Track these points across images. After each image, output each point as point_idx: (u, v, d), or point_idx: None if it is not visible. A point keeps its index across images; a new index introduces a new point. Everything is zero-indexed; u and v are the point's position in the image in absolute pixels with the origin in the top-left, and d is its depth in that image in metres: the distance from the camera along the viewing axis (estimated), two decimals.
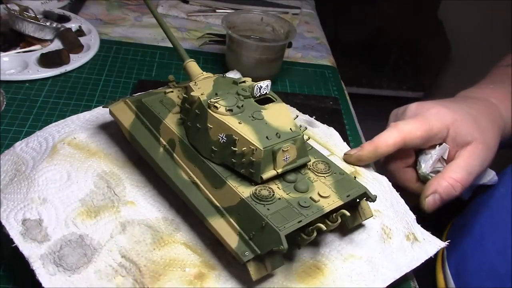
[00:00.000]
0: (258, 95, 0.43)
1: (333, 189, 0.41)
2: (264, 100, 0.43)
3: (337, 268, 0.42)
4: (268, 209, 0.38)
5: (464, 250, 0.55)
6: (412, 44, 2.00)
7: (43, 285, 0.37)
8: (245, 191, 0.39)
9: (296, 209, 0.38)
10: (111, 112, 0.49)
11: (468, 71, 1.25)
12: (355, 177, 0.43)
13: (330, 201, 0.39)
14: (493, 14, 1.52)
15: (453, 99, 0.58)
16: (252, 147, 0.39)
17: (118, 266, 0.39)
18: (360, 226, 0.46)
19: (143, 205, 0.45)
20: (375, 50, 2.04)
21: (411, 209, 0.50)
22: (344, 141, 0.59)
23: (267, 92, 0.44)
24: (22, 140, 0.51)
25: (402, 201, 0.50)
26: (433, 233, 0.48)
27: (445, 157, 0.52)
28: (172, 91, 0.49)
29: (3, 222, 0.41)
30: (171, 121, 0.45)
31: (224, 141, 0.40)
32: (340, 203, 0.39)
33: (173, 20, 0.89)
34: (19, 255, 0.39)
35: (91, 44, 0.75)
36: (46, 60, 0.68)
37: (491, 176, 0.56)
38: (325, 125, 0.60)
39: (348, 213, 0.38)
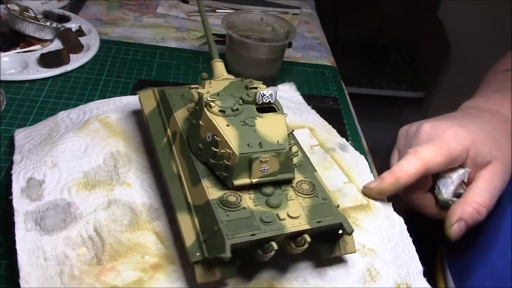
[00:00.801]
0: (260, 102, 0.42)
1: (306, 211, 0.39)
2: (268, 109, 0.43)
3: None
4: (227, 215, 0.37)
5: (464, 250, 0.55)
6: (412, 44, 2.00)
7: (16, 237, 0.40)
8: (214, 193, 0.39)
9: (256, 222, 0.37)
10: (139, 98, 0.51)
11: (468, 71, 1.25)
12: (337, 206, 0.41)
13: (297, 222, 0.37)
14: (493, 14, 1.52)
15: (464, 114, 0.55)
16: (229, 151, 0.39)
17: (87, 238, 0.41)
18: (341, 261, 0.43)
19: (137, 189, 0.46)
20: (375, 50, 2.04)
21: (402, 213, 0.49)
22: (343, 137, 0.59)
23: (271, 101, 0.43)
24: (66, 110, 0.56)
25: (412, 249, 0.46)
26: (433, 234, 0.48)
27: (465, 180, 0.50)
28: (197, 87, 0.49)
29: (13, 177, 0.45)
30: (181, 114, 0.46)
31: (210, 140, 0.40)
32: (307, 227, 0.37)
33: (173, 20, 0.89)
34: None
35: (91, 44, 0.75)
36: (46, 60, 0.68)
37: None
38: (358, 152, 0.57)
39: (309, 239, 0.36)
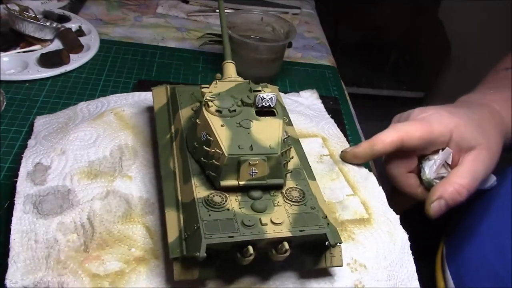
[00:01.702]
0: (260, 106, 0.42)
1: (291, 219, 0.38)
2: (268, 113, 0.42)
3: None
4: (209, 215, 0.37)
5: (463, 251, 0.55)
6: (412, 44, 2.00)
7: (12, 217, 0.41)
8: (201, 192, 0.39)
9: (237, 224, 0.36)
10: (152, 94, 0.52)
11: (468, 71, 1.26)
12: (325, 217, 0.39)
13: (278, 229, 0.37)
14: (493, 14, 1.53)
15: (455, 104, 0.57)
16: (219, 151, 0.38)
17: (80, 225, 0.42)
18: (328, 274, 0.41)
19: (137, 183, 0.47)
20: (375, 50, 2.04)
21: (401, 213, 0.48)
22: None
23: (271, 105, 0.42)
24: (87, 101, 0.58)
25: (411, 268, 0.44)
26: (432, 233, 0.48)
27: (449, 162, 0.51)
28: (207, 87, 0.49)
29: (22, 160, 0.47)
30: (185, 113, 0.46)
31: (204, 139, 0.40)
32: (288, 234, 0.36)
33: (173, 20, 0.89)
34: None
35: (91, 44, 0.75)
36: (46, 60, 0.68)
37: (492, 182, 0.55)
38: (367, 169, 0.55)
39: (287, 246, 0.36)
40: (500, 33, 1.37)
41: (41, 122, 0.54)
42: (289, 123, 0.53)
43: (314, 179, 0.45)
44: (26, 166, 0.46)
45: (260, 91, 0.44)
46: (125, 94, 0.60)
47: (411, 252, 0.45)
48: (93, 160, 0.48)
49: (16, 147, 0.55)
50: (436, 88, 1.91)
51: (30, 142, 0.50)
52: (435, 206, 0.49)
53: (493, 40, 1.40)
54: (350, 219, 0.47)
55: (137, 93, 0.60)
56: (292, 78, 0.79)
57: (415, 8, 1.86)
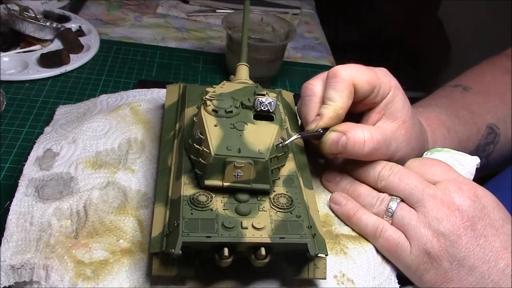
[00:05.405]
0: (258, 110, 0.42)
1: (273, 225, 0.37)
2: (268, 117, 0.42)
3: None
4: (191, 213, 0.36)
5: None
6: (412, 44, 2.00)
7: (14, 199, 0.42)
8: (189, 190, 0.39)
9: (217, 225, 0.36)
10: (166, 91, 0.53)
11: None
12: (310, 227, 0.38)
13: (258, 234, 0.36)
14: (493, 14, 1.53)
15: None
16: (207, 150, 0.38)
17: (75, 212, 0.42)
18: (312, 284, 0.40)
19: (138, 176, 0.47)
20: (375, 49, 2.04)
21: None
22: None
23: (270, 109, 0.42)
24: (108, 94, 0.58)
25: None
26: None
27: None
28: (214, 87, 0.48)
29: (35, 145, 0.47)
30: (191, 111, 0.46)
31: (197, 138, 0.40)
32: (267, 240, 0.35)
33: (173, 20, 0.89)
34: None
35: (91, 44, 0.75)
36: (46, 60, 0.68)
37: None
38: None
39: (263, 252, 0.35)
40: (500, 33, 1.37)
41: (61, 111, 0.55)
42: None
43: (311, 188, 0.44)
44: (36, 151, 0.47)
45: (264, 95, 0.43)
46: (145, 89, 0.60)
47: (397, 281, 0.44)
48: (101, 151, 0.48)
49: (16, 147, 0.55)
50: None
51: (47, 129, 0.51)
52: (334, 136, 0.43)
53: (493, 40, 1.40)
54: (346, 234, 0.45)
55: (157, 90, 0.60)
56: (292, 78, 0.79)
57: (415, 8, 1.86)
